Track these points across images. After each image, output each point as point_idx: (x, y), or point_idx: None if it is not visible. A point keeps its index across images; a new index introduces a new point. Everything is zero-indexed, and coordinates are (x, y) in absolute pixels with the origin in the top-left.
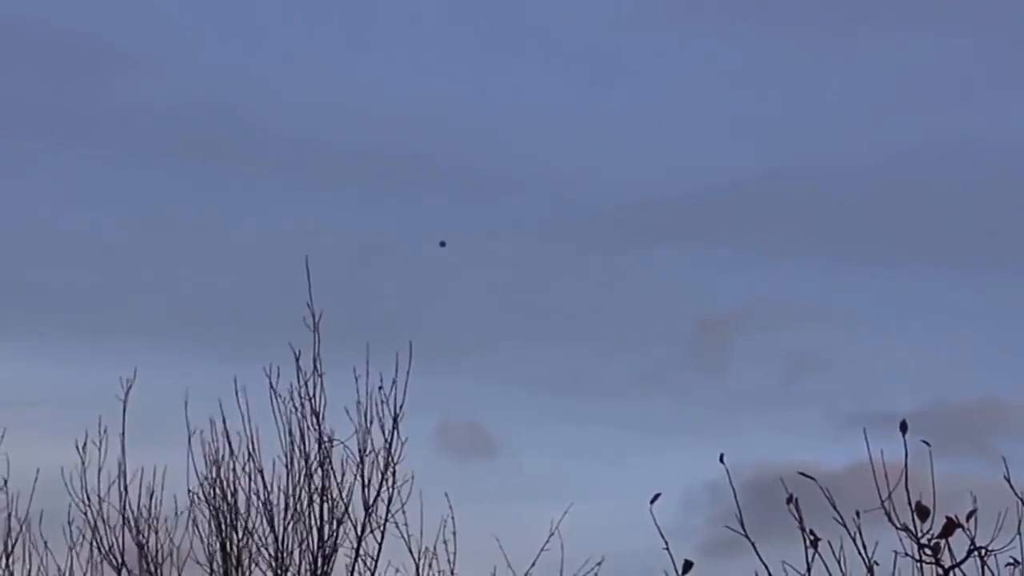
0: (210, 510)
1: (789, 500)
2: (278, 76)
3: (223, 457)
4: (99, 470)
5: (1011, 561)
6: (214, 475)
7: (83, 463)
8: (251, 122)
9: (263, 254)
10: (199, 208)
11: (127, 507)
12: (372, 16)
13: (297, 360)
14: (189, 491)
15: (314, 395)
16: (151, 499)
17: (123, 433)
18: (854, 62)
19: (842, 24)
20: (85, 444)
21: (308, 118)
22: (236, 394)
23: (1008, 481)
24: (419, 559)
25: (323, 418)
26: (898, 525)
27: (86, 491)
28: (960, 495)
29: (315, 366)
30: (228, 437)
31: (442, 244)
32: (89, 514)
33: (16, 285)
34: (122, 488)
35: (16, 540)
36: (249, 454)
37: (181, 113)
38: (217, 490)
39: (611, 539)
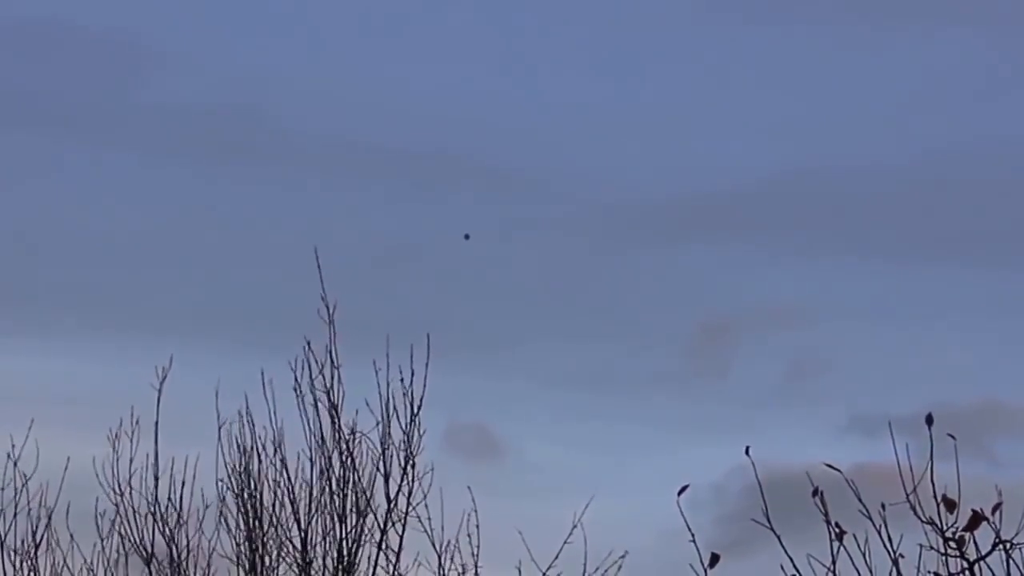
0: (237, 502)
1: (815, 493)
2: (307, 74)
3: (250, 450)
4: (131, 461)
5: None
6: (241, 468)
7: (115, 453)
8: (279, 120)
9: (291, 250)
10: (229, 205)
11: (156, 498)
12: (400, 14)
13: (310, 352)
14: (219, 481)
15: (332, 387)
16: (180, 491)
17: (157, 422)
18: (879, 60)
19: (866, 22)
20: (118, 435)
21: (336, 116)
22: (264, 388)
23: None
24: (441, 552)
25: (342, 410)
26: (923, 519)
27: (117, 481)
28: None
29: (331, 358)
30: (255, 430)
31: (466, 237)
32: (120, 505)
33: (46, 281)
34: (153, 478)
35: (44, 532)
36: (275, 447)
37: (210, 110)
38: (244, 482)
39: (618, 535)
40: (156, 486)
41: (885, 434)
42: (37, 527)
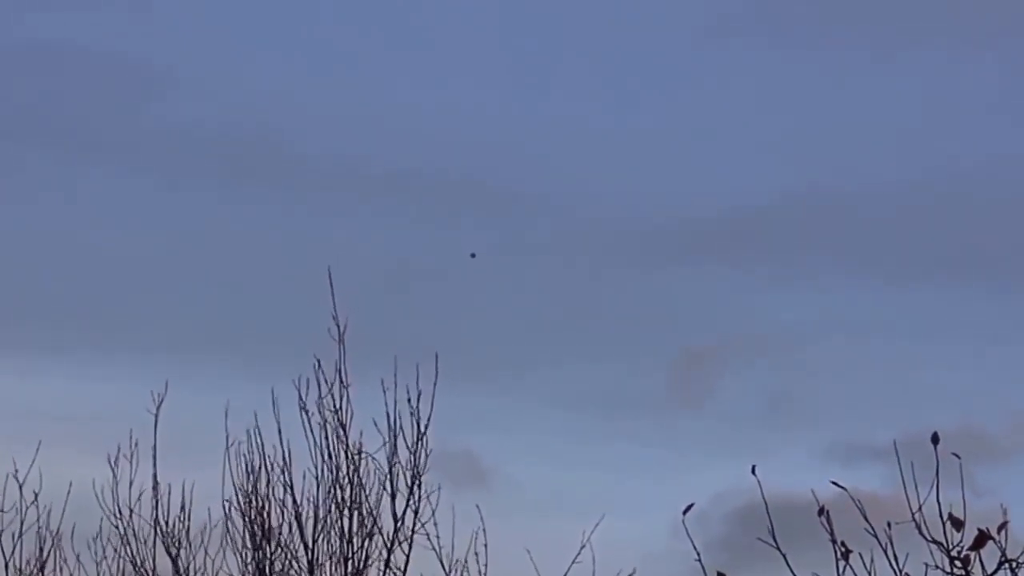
0: (243, 522)
1: (820, 512)
2: (317, 97)
3: (258, 469)
4: (130, 484)
5: None
6: (248, 488)
7: (115, 476)
8: (290, 141)
9: (299, 271)
10: (239, 225)
11: (159, 520)
12: (409, 38)
13: (321, 371)
14: (225, 502)
15: (340, 407)
16: (182, 512)
17: (155, 447)
18: (874, 84)
19: (863, 45)
20: (117, 458)
21: (345, 138)
22: (274, 406)
23: None
24: (449, 571)
25: (350, 429)
26: (929, 538)
27: (118, 504)
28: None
29: (340, 377)
30: (263, 449)
31: (472, 256)
32: (120, 527)
33: (52, 301)
34: (153, 501)
35: (48, 554)
36: (282, 466)
37: (220, 132)
38: (251, 502)
39: (609, 556)
40: (155, 510)
41: (863, 462)
42: (42, 548)
